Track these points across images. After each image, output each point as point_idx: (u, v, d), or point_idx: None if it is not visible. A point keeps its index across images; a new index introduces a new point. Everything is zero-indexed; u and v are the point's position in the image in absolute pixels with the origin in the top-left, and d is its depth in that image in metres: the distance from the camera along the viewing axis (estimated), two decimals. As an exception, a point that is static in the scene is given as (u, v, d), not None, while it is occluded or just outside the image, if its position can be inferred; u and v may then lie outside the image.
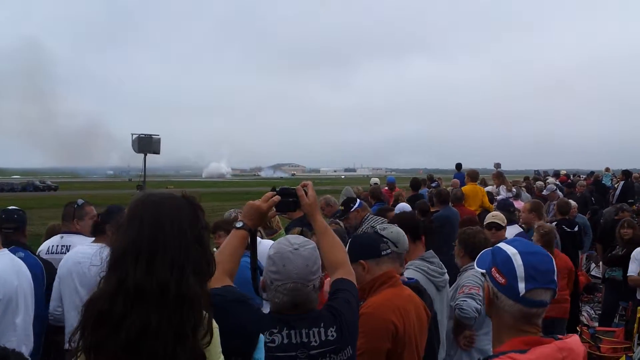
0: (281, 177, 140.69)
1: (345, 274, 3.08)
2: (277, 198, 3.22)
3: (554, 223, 10.13)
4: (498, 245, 2.36)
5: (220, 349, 2.16)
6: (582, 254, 12.25)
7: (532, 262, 2.20)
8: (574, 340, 2.23)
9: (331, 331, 2.79)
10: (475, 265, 2.43)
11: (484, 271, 2.34)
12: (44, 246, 6.10)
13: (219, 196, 52.17)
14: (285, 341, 2.70)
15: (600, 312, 10.69)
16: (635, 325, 6.75)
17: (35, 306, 4.72)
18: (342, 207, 8.45)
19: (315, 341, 2.75)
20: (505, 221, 7.53)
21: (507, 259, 2.23)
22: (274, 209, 3.27)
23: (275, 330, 2.71)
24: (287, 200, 3.25)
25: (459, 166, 20.34)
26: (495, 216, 7.51)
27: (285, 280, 2.74)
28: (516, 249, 2.25)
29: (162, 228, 2.06)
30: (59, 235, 6.12)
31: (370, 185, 14.99)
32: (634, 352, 6.16)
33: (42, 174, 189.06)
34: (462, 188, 13.41)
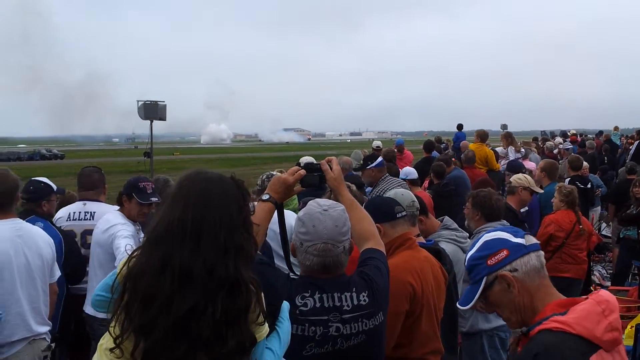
0: (287, 143, 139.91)
1: (375, 244, 3.12)
2: (302, 172, 3.24)
3: (567, 180, 10.04)
4: (467, 256, 2.48)
5: (264, 329, 2.17)
6: (592, 212, 12.18)
7: (506, 229, 2.44)
8: (606, 292, 2.26)
9: (363, 296, 2.82)
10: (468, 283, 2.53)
11: (492, 274, 2.39)
12: (63, 212, 5.99)
13: (225, 162, 52.20)
14: (318, 305, 2.73)
15: (611, 271, 10.69)
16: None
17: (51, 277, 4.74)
18: (361, 162, 8.36)
19: (348, 305, 2.77)
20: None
21: (491, 241, 2.38)
22: (299, 184, 3.28)
23: (307, 294, 2.74)
24: (312, 175, 3.29)
25: (460, 126, 20.55)
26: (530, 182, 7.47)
27: (315, 241, 2.76)
28: (487, 232, 2.45)
29: (210, 209, 2.04)
30: (80, 202, 6.04)
31: (373, 148, 14.89)
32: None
33: (48, 142, 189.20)
34: (470, 145, 13.33)
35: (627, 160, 17.20)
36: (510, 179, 7.56)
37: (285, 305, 2.45)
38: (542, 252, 2.37)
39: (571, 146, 17.11)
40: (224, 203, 2.07)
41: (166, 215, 2.04)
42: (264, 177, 6.20)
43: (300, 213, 2.92)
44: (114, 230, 5.15)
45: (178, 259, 1.94)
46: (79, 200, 6.11)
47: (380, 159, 8.31)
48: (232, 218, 2.07)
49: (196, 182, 2.11)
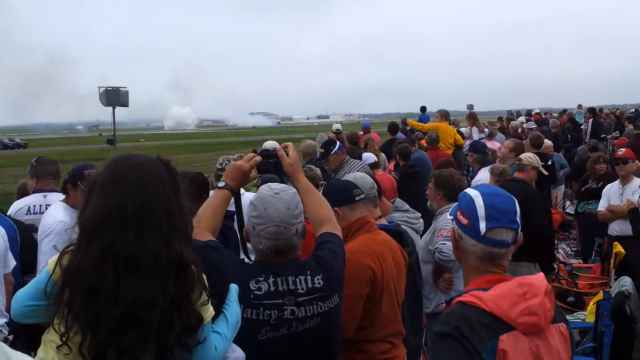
0: (254, 127, 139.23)
1: (332, 229, 3.14)
2: (258, 159, 3.24)
3: None
4: (464, 190, 2.46)
5: (209, 309, 2.14)
6: (556, 190, 12.32)
7: (492, 203, 2.29)
8: (536, 276, 2.27)
9: (318, 279, 2.84)
10: (448, 214, 2.50)
11: (451, 218, 2.44)
12: (21, 204, 5.80)
13: (191, 148, 51.79)
14: (272, 289, 2.75)
15: (575, 249, 10.84)
16: (612, 261, 6.80)
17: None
18: (322, 150, 8.36)
19: (302, 288, 2.79)
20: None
21: (470, 201, 2.32)
22: (255, 170, 3.29)
23: (261, 279, 2.75)
24: (268, 161, 3.29)
25: (423, 109, 20.79)
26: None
27: (267, 224, 2.77)
28: (479, 190, 2.35)
29: (149, 194, 1.99)
30: (40, 194, 5.80)
31: (332, 131, 14.87)
32: (610, 287, 6.20)
33: (9, 131, 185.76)
34: (434, 124, 13.40)
35: (585, 139, 17.51)
36: (521, 157, 7.72)
37: (234, 287, 2.43)
38: (495, 249, 2.29)
39: (534, 125, 17.31)
40: (160, 186, 2.02)
41: (101, 204, 1.96)
42: (223, 161, 6.13)
43: (252, 197, 2.93)
44: (46, 240, 4.96)
45: (120, 249, 1.89)
46: (36, 191, 5.87)
47: (338, 143, 8.31)
48: (169, 200, 2.03)
49: (129, 168, 2.04)
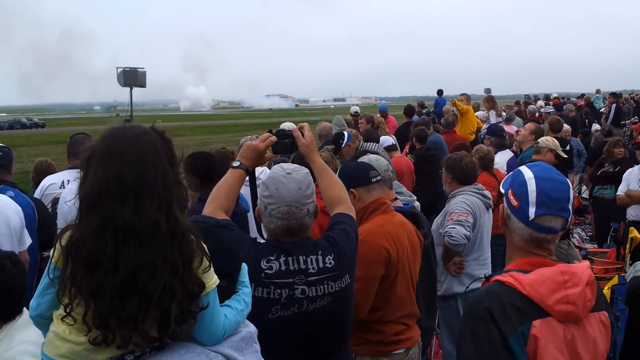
0: (270, 109, 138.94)
1: (345, 209, 3.12)
2: (273, 139, 3.24)
3: None
4: (519, 168, 2.39)
5: (213, 277, 2.12)
6: (573, 175, 12.24)
7: (545, 189, 2.23)
8: (581, 265, 2.24)
9: (329, 259, 2.83)
10: (501, 187, 2.45)
11: (503, 191, 2.38)
12: (54, 180, 5.84)
13: (207, 129, 51.86)
14: (283, 268, 2.75)
15: (590, 233, 10.77)
16: (627, 246, 6.76)
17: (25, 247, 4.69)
18: (334, 146, 8.36)
19: (313, 268, 2.79)
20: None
21: (523, 182, 2.27)
22: (271, 151, 3.29)
23: (272, 257, 2.76)
24: (283, 142, 3.29)
25: (440, 92, 20.62)
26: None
27: (278, 204, 2.78)
28: (534, 173, 2.28)
29: (146, 165, 1.99)
30: (74, 170, 5.64)
31: (350, 114, 14.85)
32: (625, 272, 6.17)
33: (27, 111, 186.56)
34: (468, 106, 13.30)
35: (606, 124, 17.31)
36: (539, 140, 7.81)
37: (245, 267, 2.44)
38: (542, 235, 2.26)
39: (552, 109, 17.15)
40: (157, 157, 2.03)
41: (99, 176, 1.97)
42: (244, 142, 6.17)
43: (264, 177, 2.93)
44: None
45: (120, 219, 1.91)
46: (70, 168, 5.88)
47: (346, 134, 8.33)
48: (166, 171, 2.03)
49: (125, 139, 2.04)
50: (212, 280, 2.09)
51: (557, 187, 2.25)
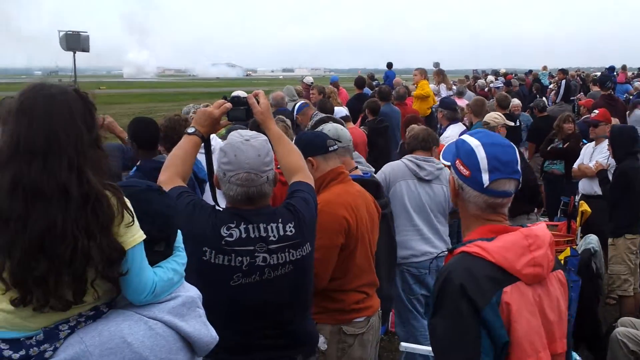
0: (217, 78, 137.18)
1: (304, 177, 3.13)
2: (228, 105, 3.21)
3: None
4: (461, 137, 2.37)
5: (137, 231, 2.06)
6: (523, 149, 12.42)
7: (494, 153, 2.22)
8: (540, 227, 2.26)
9: (289, 227, 2.83)
10: (440, 157, 2.42)
11: (448, 164, 2.35)
12: None
13: (154, 97, 50.84)
14: (244, 235, 2.74)
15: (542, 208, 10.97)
16: (578, 219, 6.89)
17: None
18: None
19: (274, 236, 2.79)
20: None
21: (471, 151, 2.24)
22: (226, 118, 3.26)
23: (232, 225, 2.74)
24: (239, 109, 3.26)
25: (389, 65, 20.74)
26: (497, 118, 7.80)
27: (237, 170, 2.75)
28: (479, 140, 2.26)
29: (56, 125, 1.93)
30: None
31: (304, 83, 14.78)
32: (577, 245, 6.30)
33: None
34: (422, 83, 13.31)
35: (556, 99, 17.62)
36: (486, 119, 7.88)
37: (180, 233, 2.36)
38: (498, 200, 2.24)
39: (501, 84, 17.35)
40: (71, 117, 1.96)
41: (9, 133, 1.92)
42: (189, 110, 6.04)
43: (223, 144, 2.89)
44: None
45: (27, 179, 1.86)
46: None
47: (299, 102, 8.26)
48: (80, 132, 1.97)
49: (39, 97, 1.97)
50: (137, 234, 2.03)
51: (505, 150, 2.24)
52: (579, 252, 5.83)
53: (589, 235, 6.39)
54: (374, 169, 5.35)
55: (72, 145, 1.93)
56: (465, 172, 2.24)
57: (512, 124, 8.49)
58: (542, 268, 2.14)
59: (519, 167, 2.26)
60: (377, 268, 3.84)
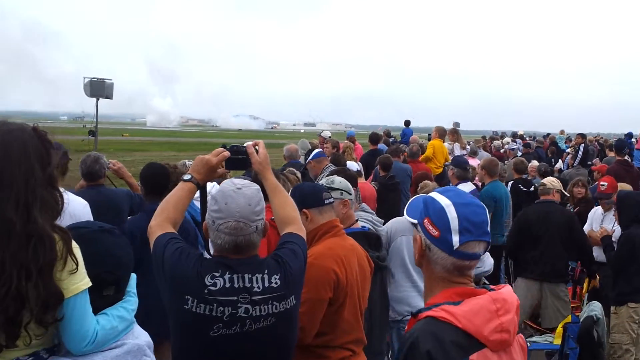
0: (239, 129, 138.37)
1: (296, 230, 3.09)
2: (226, 154, 3.20)
3: (511, 182, 10.20)
4: (430, 194, 2.26)
5: (82, 279, 2.03)
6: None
7: (465, 214, 2.12)
8: (507, 290, 2.17)
9: (275, 278, 2.78)
10: (405, 213, 2.32)
11: (415, 221, 2.25)
12: None
13: (174, 146, 51.36)
14: (228, 285, 2.69)
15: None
16: (585, 285, 6.80)
17: None
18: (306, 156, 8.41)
19: (259, 287, 2.74)
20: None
21: (441, 210, 2.14)
22: (224, 166, 3.24)
23: (217, 274, 2.69)
24: (236, 158, 3.26)
25: (407, 122, 20.87)
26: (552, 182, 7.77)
27: (227, 219, 2.72)
28: (450, 199, 2.16)
29: (10, 161, 1.93)
30: None
31: (320, 137, 14.93)
32: (581, 311, 6.20)
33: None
34: (430, 143, 13.42)
35: (573, 163, 17.57)
36: (544, 181, 7.84)
37: (133, 277, 2.33)
38: (466, 262, 2.15)
39: (516, 146, 17.36)
40: (25, 155, 1.96)
41: None
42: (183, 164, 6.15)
43: (214, 191, 2.87)
44: None
45: None
46: None
47: (316, 150, 8.30)
48: (33, 170, 1.97)
49: None
50: (81, 282, 2.00)
51: (476, 211, 2.15)
52: (581, 319, 5.72)
53: (593, 302, 6.28)
54: (382, 221, 5.37)
55: (23, 181, 1.91)
56: (435, 232, 2.14)
57: (568, 195, 8.67)
58: (509, 334, 2.06)
59: (488, 229, 2.17)
60: (370, 322, 3.79)
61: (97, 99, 21.61)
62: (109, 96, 21.64)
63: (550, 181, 7.74)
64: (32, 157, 1.97)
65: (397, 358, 2.08)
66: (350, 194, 4.15)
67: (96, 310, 2.06)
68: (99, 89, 21.19)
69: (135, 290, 2.31)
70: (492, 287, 2.18)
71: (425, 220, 2.18)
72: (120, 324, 2.15)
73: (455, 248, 2.10)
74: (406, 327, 2.20)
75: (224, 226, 2.73)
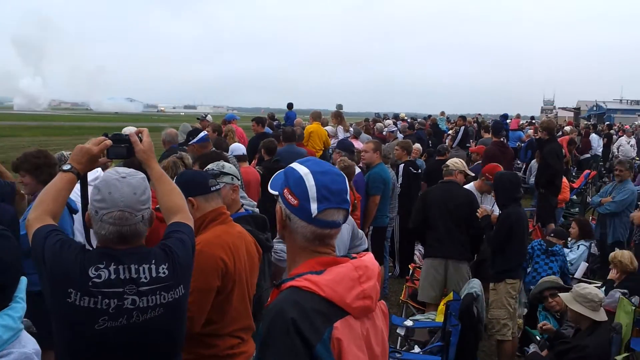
0: (116, 113, 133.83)
1: (183, 218, 3.04)
2: (108, 142, 3.10)
3: (402, 165, 10.36)
4: (291, 165, 2.24)
5: None
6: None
7: (324, 182, 2.12)
8: (368, 257, 2.18)
9: (163, 268, 2.73)
10: (268, 187, 2.29)
11: (276, 193, 2.22)
12: None
13: (46, 130, 48.98)
14: (113, 276, 2.61)
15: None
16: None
17: None
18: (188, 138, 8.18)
19: (146, 277, 2.68)
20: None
21: (299, 179, 2.13)
22: (106, 155, 3.14)
23: (101, 266, 2.61)
24: (119, 146, 3.16)
25: (290, 105, 20.92)
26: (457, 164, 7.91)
27: (111, 208, 2.63)
28: (308, 168, 2.16)
29: None
30: None
31: (202, 121, 14.68)
32: (460, 289, 6.45)
33: None
34: (308, 127, 13.44)
35: (452, 145, 18.23)
36: (447, 163, 7.97)
37: (24, 282, 2.20)
38: (326, 231, 2.15)
39: (395, 128, 17.74)
40: None
41: None
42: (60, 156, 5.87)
43: (97, 181, 2.77)
44: None
45: None
46: None
47: (202, 134, 8.09)
48: None
49: None
50: None
51: (335, 179, 2.15)
52: (462, 296, 5.94)
53: (472, 279, 6.54)
54: (255, 203, 5.34)
55: None
56: (294, 201, 2.12)
57: (473, 174, 8.73)
58: (371, 300, 2.08)
59: (348, 197, 2.18)
60: (259, 308, 3.81)
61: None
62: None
63: (454, 162, 7.95)
64: None
65: (260, 330, 2.03)
66: (239, 179, 4.10)
67: None
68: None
69: (23, 296, 2.18)
70: (354, 255, 2.19)
71: (285, 190, 2.16)
72: (5, 333, 2.02)
73: (314, 216, 2.09)
74: (269, 299, 2.17)
75: (108, 216, 2.63)
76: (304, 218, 2.11)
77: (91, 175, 5.30)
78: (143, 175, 2.82)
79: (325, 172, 2.16)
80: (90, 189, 4.43)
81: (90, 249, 2.82)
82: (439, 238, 7.36)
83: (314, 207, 2.09)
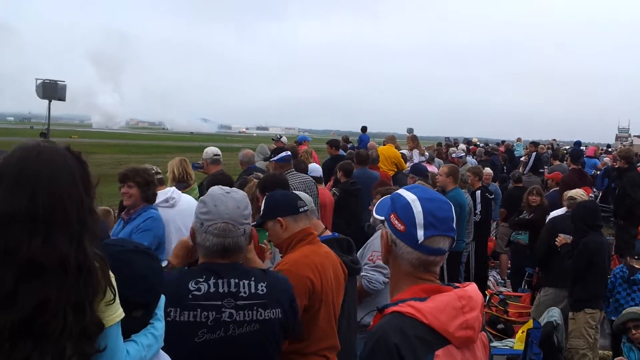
0: (191, 133, 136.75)
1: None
2: None
3: (479, 190, 10.28)
4: (397, 191, 2.28)
5: (117, 310, 1.95)
6: (493, 220, 12.53)
7: (431, 209, 2.14)
8: (472, 288, 2.20)
9: (262, 286, 2.81)
10: (374, 212, 2.33)
11: (382, 218, 2.25)
12: None
13: (125, 148, 50.51)
14: (212, 290, 2.71)
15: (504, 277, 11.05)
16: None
17: None
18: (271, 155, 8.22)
19: (245, 292, 2.76)
20: None
21: (407, 205, 2.16)
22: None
23: (201, 279, 2.72)
24: None
25: (364, 129, 20.99)
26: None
27: (216, 220, 2.75)
28: (416, 195, 2.19)
29: (60, 193, 1.81)
30: None
31: (273, 139, 14.82)
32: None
33: None
34: (380, 148, 13.43)
35: (524, 171, 17.90)
36: (573, 195, 7.77)
37: (162, 299, 2.28)
38: (431, 258, 2.16)
39: (463, 154, 17.53)
40: (73, 184, 1.85)
41: (7, 202, 1.76)
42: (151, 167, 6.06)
43: (203, 196, 2.91)
44: None
45: (25, 252, 1.72)
46: None
47: (284, 153, 8.11)
48: (82, 199, 1.86)
49: (40, 162, 1.84)
50: (116, 313, 1.93)
51: (441, 206, 2.17)
52: (542, 324, 5.84)
53: (552, 308, 6.42)
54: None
55: (75, 213, 1.82)
56: (400, 226, 2.15)
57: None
58: (473, 331, 2.08)
59: (454, 225, 2.19)
60: (346, 328, 3.86)
61: (50, 101, 21.09)
62: (61, 98, 21.10)
63: (579, 194, 7.79)
64: (79, 185, 1.86)
65: (362, 353, 2.07)
66: (307, 206, 4.12)
67: (124, 331, 1.98)
68: (51, 90, 20.65)
69: (162, 313, 2.24)
70: (457, 284, 2.20)
71: (392, 215, 2.19)
72: (149, 352, 2.10)
73: (420, 242, 2.12)
74: (371, 323, 2.20)
75: (212, 227, 2.75)
76: (410, 244, 2.14)
77: (161, 195, 5.52)
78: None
79: (433, 199, 2.19)
80: (160, 209, 4.71)
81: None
82: (564, 270, 7.04)
83: (420, 233, 2.12)
